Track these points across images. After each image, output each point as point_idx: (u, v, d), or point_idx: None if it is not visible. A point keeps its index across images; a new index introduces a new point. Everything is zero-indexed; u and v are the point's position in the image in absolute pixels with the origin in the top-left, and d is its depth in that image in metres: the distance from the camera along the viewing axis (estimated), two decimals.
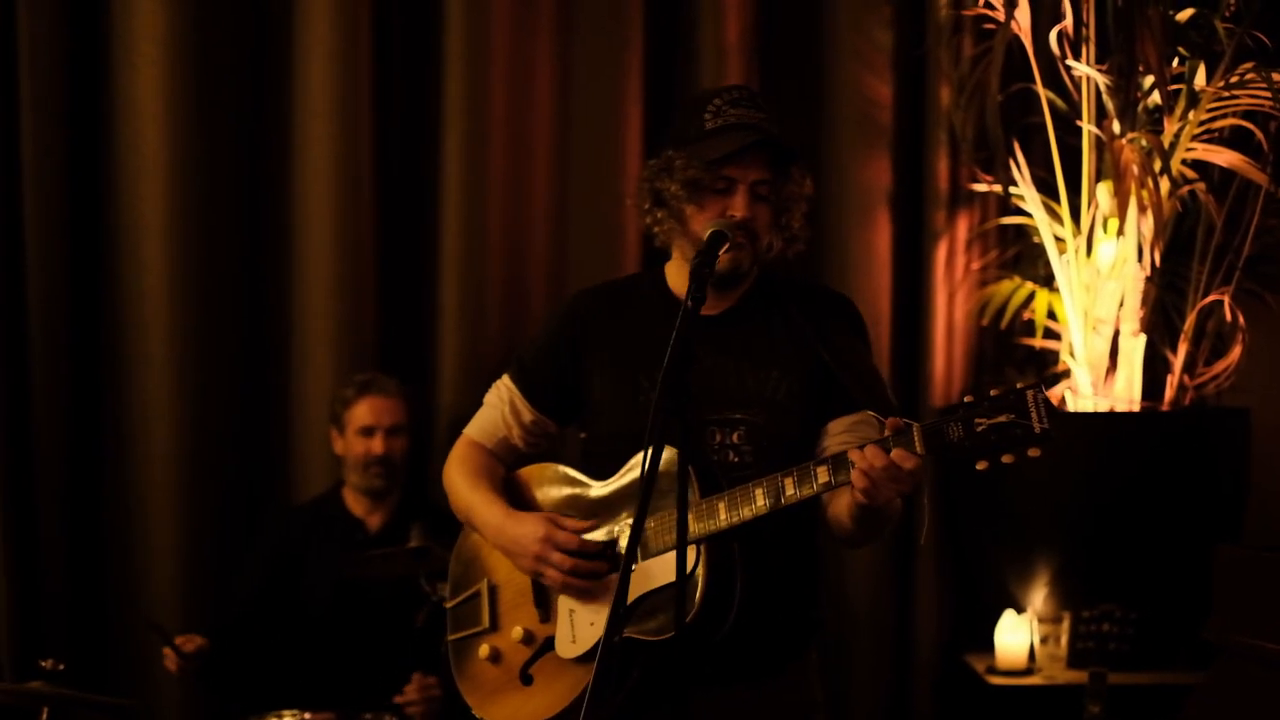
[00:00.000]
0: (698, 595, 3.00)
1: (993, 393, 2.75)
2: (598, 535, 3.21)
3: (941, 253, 5.52)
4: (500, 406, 3.42)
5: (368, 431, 4.97)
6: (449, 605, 3.47)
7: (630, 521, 3.13)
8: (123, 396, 5.33)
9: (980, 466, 2.76)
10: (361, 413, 4.98)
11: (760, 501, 2.98)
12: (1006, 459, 2.73)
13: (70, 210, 5.31)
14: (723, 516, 3.01)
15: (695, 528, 3.02)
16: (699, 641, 3.01)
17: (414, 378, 5.34)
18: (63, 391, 5.30)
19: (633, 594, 3.10)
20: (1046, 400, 2.71)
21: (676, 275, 3.29)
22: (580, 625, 3.21)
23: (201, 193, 5.31)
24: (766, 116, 3.17)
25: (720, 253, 3.04)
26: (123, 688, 5.10)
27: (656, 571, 3.07)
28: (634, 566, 3.11)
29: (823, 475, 2.92)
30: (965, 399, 2.78)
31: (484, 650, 3.36)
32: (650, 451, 2.80)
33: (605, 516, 3.22)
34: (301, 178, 5.37)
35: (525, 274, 5.49)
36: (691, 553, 3.01)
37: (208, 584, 5.29)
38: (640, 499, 2.80)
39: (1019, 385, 2.74)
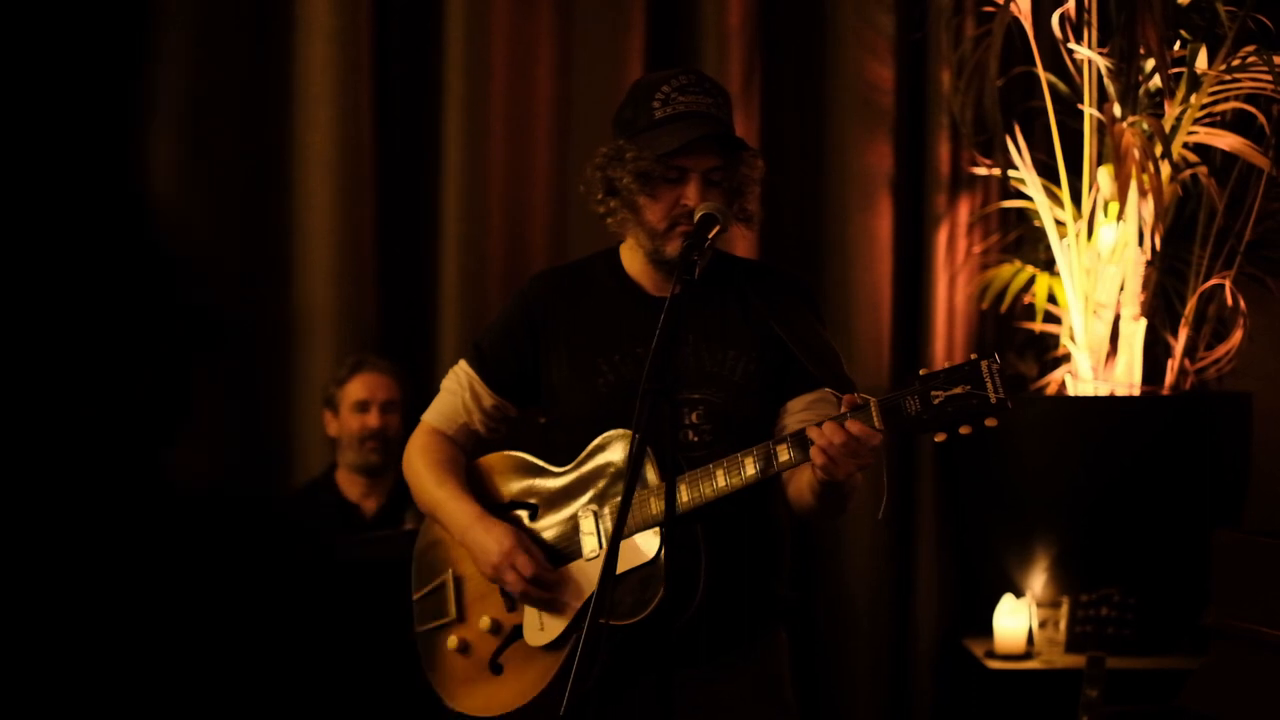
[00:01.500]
0: (661, 580, 2.99)
1: (947, 365, 2.76)
2: (560, 517, 3.21)
3: (942, 237, 5.52)
4: (460, 392, 3.39)
5: (362, 406, 4.98)
6: (415, 597, 3.46)
7: (593, 507, 3.15)
8: None
9: (938, 438, 2.77)
10: (355, 388, 5.00)
11: (721, 481, 2.98)
12: (964, 430, 2.75)
13: None
14: (684, 497, 3.00)
15: (655, 509, 3.02)
16: (666, 624, 3.01)
17: (415, 362, 5.35)
18: None
19: (598, 580, 3.10)
20: (1001, 370, 2.72)
21: (631, 259, 3.27)
22: (548, 613, 3.20)
23: (203, 178, 5.31)
24: (715, 102, 3.14)
25: (710, 235, 3.04)
26: None
27: (623, 555, 3.04)
28: (596, 554, 3.13)
29: (783, 454, 2.92)
30: (920, 372, 2.79)
31: (452, 641, 3.34)
32: (636, 438, 2.79)
33: (567, 502, 3.21)
34: (302, 162, 5.37)
35: (526, 258, 5.48)
36: (654, 536, 3.02)
37: None
38: (626, 482, 2.78)
39: (973, 356, 2.74)
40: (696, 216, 3.06)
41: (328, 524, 4.91)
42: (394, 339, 5.41)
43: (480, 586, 3.31)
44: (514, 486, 3.32)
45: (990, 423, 2.73)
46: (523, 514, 3.28)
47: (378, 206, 5.42)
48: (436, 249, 5.43)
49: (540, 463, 3.29)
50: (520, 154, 5.47)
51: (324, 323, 5.34)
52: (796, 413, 3.15)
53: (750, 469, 2.95)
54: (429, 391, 5.25)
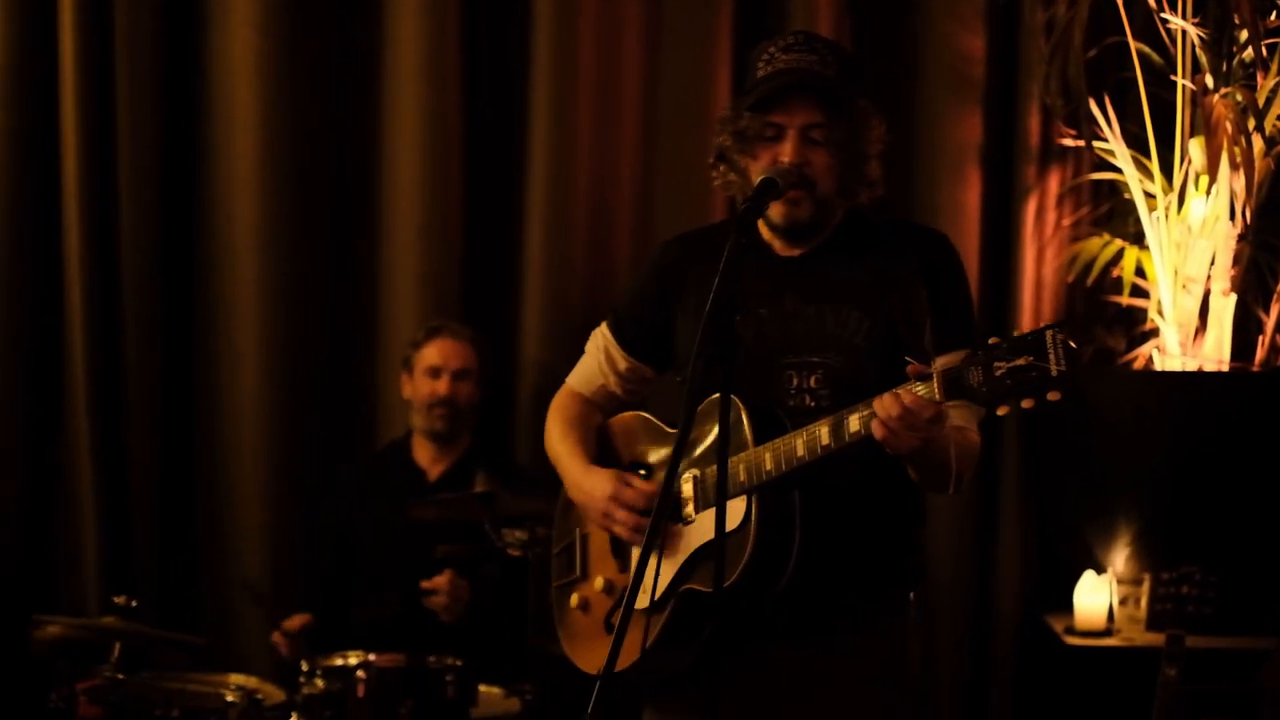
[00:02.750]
0: (748, 548, 2.95)
1: (1015, 334, 2.63)
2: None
3: (1031, 209, 5.43)
4: (597, 355, 3.40)
5: (434, 372, 5.02)
6: (554, 552, 3.48)
7: (695, 470, 3.11)
8: (213, 345, 5.46)
9: (1000, 412, 2.64)
10: (430, 353, 5.04)
11: (801, 450, 2.91)
12: (1026, 404, 2.60)
13: (163, 166, 5.43)
14: (768, 466, 2.95)
15: (744, 478, 2.98)
16: (756, 595, 2.97)
17: (498, 330, 5.39)
18: (155, 341, 5.44)
19: (693, 546, 3.09)
20: (1065, 341, 2.55)
21: (762, 223, 3.18)
22: (651, 576, 3.16)
23: (292, 148, 5.41)
24: (821, 59, 3.06)
25: (769, 201, 3.00)
26: (207, 629, 5.21)
27: (709, 523, 2.99)
28: (693, 518, 3.10)
29: (854, 424, 2.84)
30: (990, 341, 2.65)
31: (575, 599, 3.36)
32: (686, 402, 2.78)
33: (685, 463, 3.15)
34: (390, 132, 5.44)
35: (611, 227, 5.50)
36: (743, 503, 2.98)
37: (293, 531, 5.38)
38: (674, 451, 2.78)
39: (1042, 325, 2.59)
40: (755, 181, 3.02)
41: (395, 486, 4.95)
42: (477, 305, 5.44)
43: (600, 546, 3.32)
44: (636, 447, 3.32)
45: (1053, 396, 2.57)
46: (641, 474, 3.26)
47: (464, 175, 5.46)
48: (521, 218, 5.46)
49: (660, 424, 3.28)
50: (607, 125, 5.47)
51: (408, 289, 5.41)
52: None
53: (825, 438, 2.88)
54: (513, 360, 5.36)
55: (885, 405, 2.76)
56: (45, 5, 5.30)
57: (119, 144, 5.34)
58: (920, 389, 2.75)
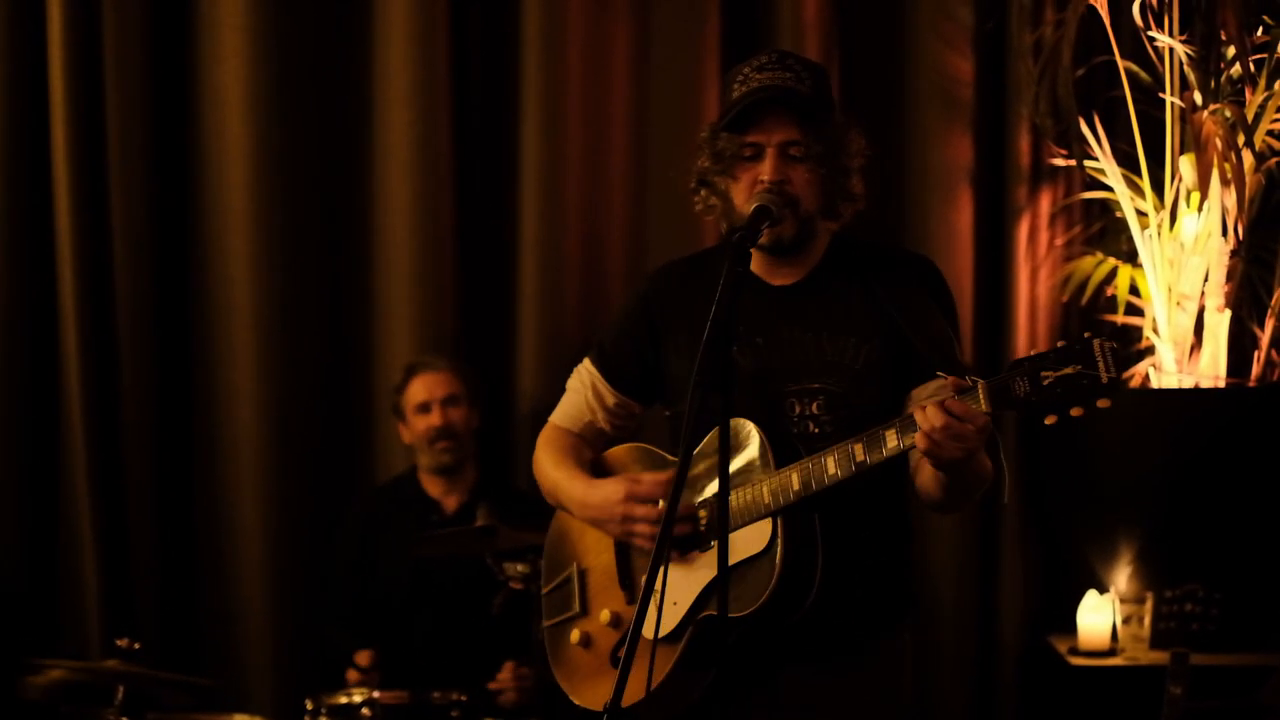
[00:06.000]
0: (775, 570, 2.95)
1: (1059, 344, 2.67)
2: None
3: (1023, 229, 5.44)
4: (583, 391, 3.38)
5: (424, 408, 5.02)
6: (544, 591, 3.45)
7: (713, 500, 3.08)
8: (208, 382, 5.45)
9: (1049, 421, 2.68)
10: (414, 391, 5.04)
11: (832, 469, 2.92)
12: (1075, 412, 2.65)
13: (156, 200, 5.42)
14: (796, 486, 2.96)
15: (769, 500, 2.98)
16: (780, 617, 2.98)
17: (493, 363, 5.40)
18: (150, 378, 5.43)
19: (714, 569, 3.08)
20: (1114, 349, 2.62)
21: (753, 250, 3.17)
22: (664, 606, 3.12)
23: (284, 181, 5.40)
24: (795, 76, 3.07)
25: (764, 228, 3.00)
26: (211, 669, 5.19)
27: (737, 545, 3.00)
28: (711, 546, 3.09)
29: (891, 439, 2.86)
30: (1032, 352, 2.71)
31: (575, 635, 3.33)
32: (686, 431, 2.75)
33: (689, 494, 3.15)
34: (381, 164, 5.43)
35: (604, 258, 5.50)
36: (768, 526, 2.99)
37: (292, 567, 5.37)
38: (676, 478, 2.75)
39: (1086, 335, 2.65)
40: (750, 209, 3.01)
41: (409, 520, 4.95)
42: (472, 341, 5.44)
43: (602, 579, 3.30)
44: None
45: (1103, 404, 2.63)
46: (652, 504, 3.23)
47: (456, 207, 5.45)
48: (515, 249, 5.46)
49: (664, 454, 3.27)
50: (597, 153, 5.48)
51: (403, 323, 5.41)
52: (921, 401, 3.03)
53: (860, 455, 2.90)
54: (509, 392, 5.36)
55: (930, 416, 2.76)
56: (35, 41, 5.30)
57: (110, 178, 5.33)
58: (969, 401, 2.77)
